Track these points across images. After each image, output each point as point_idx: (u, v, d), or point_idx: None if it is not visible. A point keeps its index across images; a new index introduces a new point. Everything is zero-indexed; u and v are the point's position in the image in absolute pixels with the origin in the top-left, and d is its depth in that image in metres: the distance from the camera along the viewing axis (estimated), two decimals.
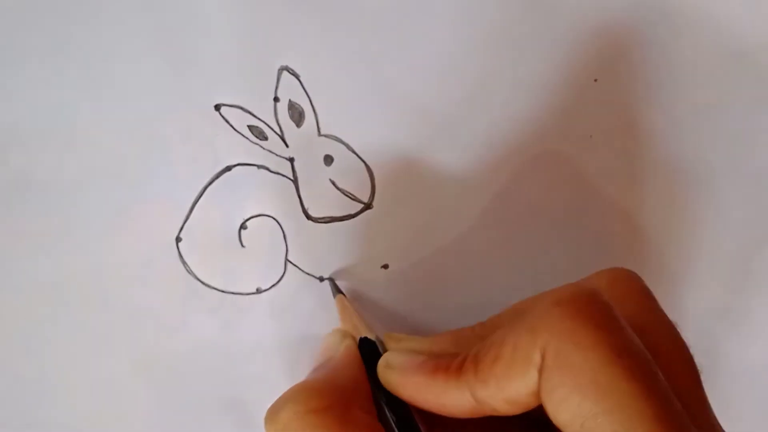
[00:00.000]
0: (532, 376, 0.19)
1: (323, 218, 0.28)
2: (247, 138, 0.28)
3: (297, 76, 0.27)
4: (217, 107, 0.27)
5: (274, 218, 0.28)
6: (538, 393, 0.19)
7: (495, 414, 0.20)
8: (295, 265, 0.28)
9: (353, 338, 0.25)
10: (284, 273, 0.28)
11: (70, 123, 0.27)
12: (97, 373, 0.28)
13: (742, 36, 0.29)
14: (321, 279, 0.29)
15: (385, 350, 0.24)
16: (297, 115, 0.28)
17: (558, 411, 0.18)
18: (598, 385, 0.18)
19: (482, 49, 0.28)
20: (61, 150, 0.27)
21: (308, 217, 0.28)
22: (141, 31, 0.27)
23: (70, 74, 0.26)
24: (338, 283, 0.29)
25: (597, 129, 0.29)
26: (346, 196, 0.28)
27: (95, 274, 0.28)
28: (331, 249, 0.28)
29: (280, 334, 0.29)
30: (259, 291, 0.28)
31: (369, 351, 0.24)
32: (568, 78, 0.29)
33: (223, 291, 0.28)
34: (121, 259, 0.28)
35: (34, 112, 0.26)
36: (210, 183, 0.28)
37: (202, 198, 0.28)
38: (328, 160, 0.28)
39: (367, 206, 0.28)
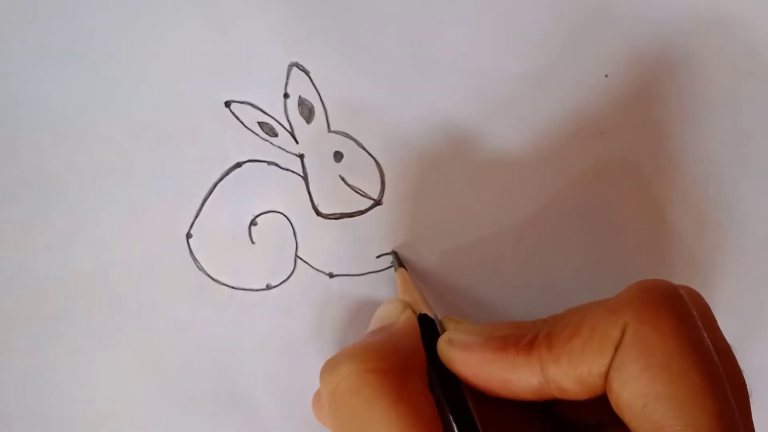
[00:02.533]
0: (608, 353, 0.19)
1: (333, 214, 0.28)
2: (257, 134, 0.28)
3: (307, 73, 0.27)
4: (227, 104, 0.27)
5: (283, 214, 0.28)
6: (607, 374, 0.19)
7: (560, 396, 0.21)
8: (304, 261, 0.28)
9: (413, 310, 0.25)
10: (294, 269, 0.28)
11: (81, 121, 0.27)
12: (107, 369, 0.28)
13: (755, 32, 0.29)
14: (331, 275, 0.29)
15: (443, 330, 0.24)
16: (307, 111, 0.28)
17: (624, 387, 0.19)
18: (670, 371, 0.18)
19: (491, 46, 0.28)
20: (72, 148, 0.27)
21: (318, 213, 0.28)
22: (151, 30, 0.27)
23: (81, 72, 0.27)
24: (348, 278, 0.29)
25: (608, 125, 0.29)
26: (356, 192, 0.28)
27: (106, 270, 0.28)
28: (340, 245, 0.28)
29: (290, 330, 0.29)
30: (268, 287, 0.28)
31: (425, 328, 0.24)
32: (578, 74, 0.28)
33: (232, 287, 0.28)
34: (132, 255, 0.28)
35: (45, 111, 0.27)
36: (220, 180, 0.28)
37: (212, 194, 0.28)
38: (338, 156, 0.28)
39: (377, 203, 0.28)
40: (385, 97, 0.28)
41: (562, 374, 0.20)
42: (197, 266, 0.28)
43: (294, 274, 0.28)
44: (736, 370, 0.22)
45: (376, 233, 0.28)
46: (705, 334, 0.20)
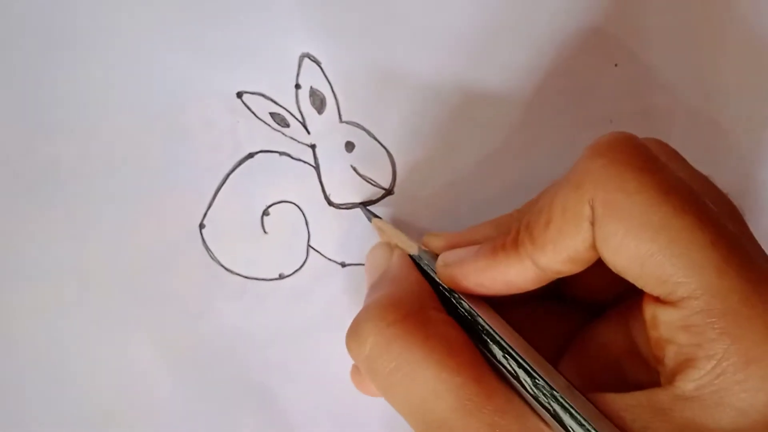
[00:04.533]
0: (585, 230, 0.19)
1: (345, 204, 0.29)
2: (269, 125, 0.28)
3: (318, 63, 0.27)
4: (239, 95, 0.27)
5: (296, 204, 0.28)
6: (594, 246, 0.19)
7: (560, 275, 0.21)
8: (317, 251, 0.29)
9: (399, 247, 0.26)
10: (306, 258, 0.29)
11: (94, 113, 0.27)
12: (120, 359, 0.28)
13: (761, 23, 0.29)
14: (343, 264, 0.29)
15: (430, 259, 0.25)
16: (318, 101, 0.28)
17: (616, 258, 0.19)
18: (651, 225, 0.18)
19: (502, 34, 0.28)
20: (87, 139, 0.27)
21: (330, 203, 0.28)
22: (164, 21, 0.27)
23: (94, 65, 0.27)
24: (360, 267, 0.29)
25: (617, 113, 0.29)
26: (368, 182, 0.28)
27: (120, 261, 0.28)
28: (352, 235, 0.29)
29: (303, 319, 0.29)
30: (281, 276, 0.29)
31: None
32: (588, 62, 0.29)
33: (246, 277, 0.29)
34: (145, 246, 0.28)
35: (60, 102, 0.27)
36: (232, 170, 0.28)
37: (224, 185, 0.28)
38: (350, 146, 0.28)
39: (389, 192, 0.29)
40: (396, 87, 0.28)
41: (552, 260, 0.20)
42: (210, 256, 0.28)
43: (306, 263, 0.29)
44: (719, 194, 0.21)
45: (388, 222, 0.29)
46: (672, 170, 0.19)
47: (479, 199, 0.29)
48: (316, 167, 0.28)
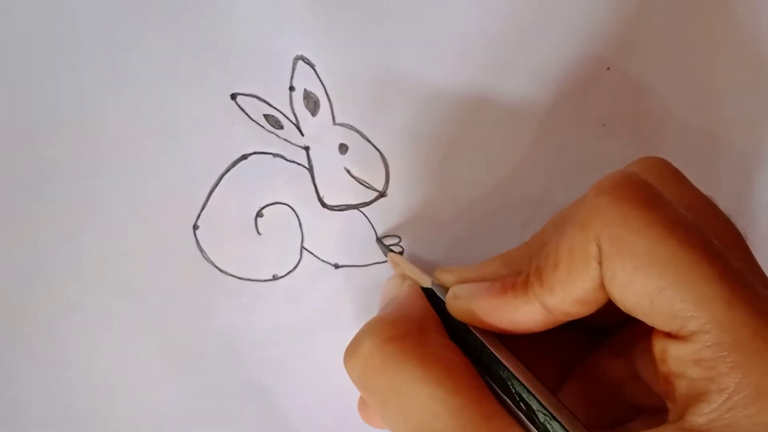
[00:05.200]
0: (593, 270, 0.19)
1: (338, 206, 0.29)
2: (263, 127, 0.28)
3: (312, 66, 0.28)
4: (234, 96, 0.27)
5: (289, 206, 0.28)
6: (603, 286, 0.19)
7: (570, 318, 0.21)
8: (310, 252, 0.29)
9: (412, 279, 0.26)
10: (300, 260, 0.29)
11: (91, 114, 0.27)
12: (120, 358, 0.28)
13: (755, 21, 0.29)
14: (336, 266, 0.29)
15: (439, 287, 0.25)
16: (312, 104, 0.28)
17: (624, 295, 0.19)
18: (658, 261, 0.18)
19: (497, 37, 0.28)
20: (83, 139, 0.27)
21: (323, 204, 0.29)
22: (159, 22, 0.27)
23: (91, 65, 0.27)
24: (353, 269, 0.29)
25: (610, 117, 0.29)
26: (361, 184, 0.29)
27: (113, 261, 0.28)
28: (346, 236, 0.29)
29: (296, 320, 0.29)
30: (275, 278, 0.29)
31: (432, 299, 0.25)
32: (581, 66, 0.29)
33: (239, 278, 0.29)
34: (139, 246, 0.28)
35: (57, 102, 0.27)
36: (226, 171, 0.28)
37: (218, 186, 0.28)
38: (343, 148, 0.28)
39: (382, 194, 0.29)
40: (390, 89, 0.28)
41: (561, 302, 0.20)
42: (204, 257, 0.28)
43: (300, 265, 0.29)
44: (722, 220, 0.22)
45: (381, 225, 0.29)
46: (675, 205, 0.19)
47: (472, 201, 0.29)
48: (310, 169, 0.28)
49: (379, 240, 0.29)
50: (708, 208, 0.22)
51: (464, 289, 0.23)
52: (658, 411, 0.22)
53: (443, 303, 0.24)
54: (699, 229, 0.19)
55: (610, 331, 0.24)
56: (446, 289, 0.25)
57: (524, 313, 0.21)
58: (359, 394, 0.23)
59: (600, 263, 0.19)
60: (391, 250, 0.28)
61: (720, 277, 0.18)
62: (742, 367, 0.17)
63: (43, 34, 0.26)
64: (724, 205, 0.22)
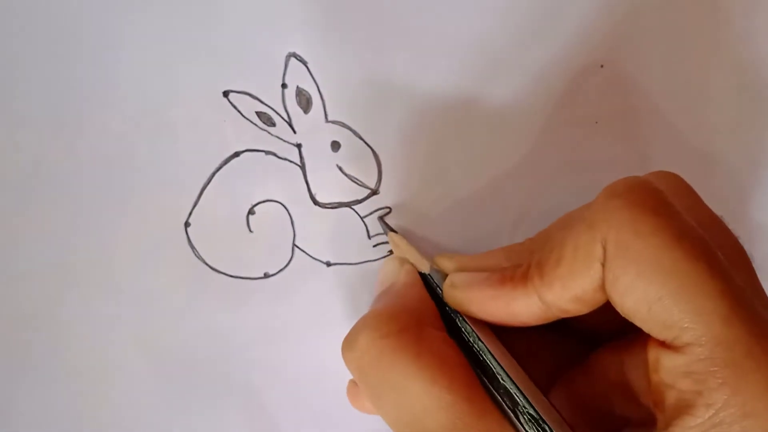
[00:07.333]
0: (596, 271, 0.19)
1: (330, 204, 0.29)
2: (255, 124, 0.28)
3: (304, 63, 0.28)
4: (226, 93, 0.27)
5: (281, 204, 0.28)
6: (603, 288, 0.19)
7: (566, 315, 0.21)
8: (302, 250, 0.29)
9: (411, 263, 0.26)
10: (291, 258, 0.29)
11: (80, 110, 0.27)
12: (104, 357, 0.28)
13: (747, 22, 0.29)
14: (328, 264, 0.29)
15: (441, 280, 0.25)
16: (304, 101, 0.28)
17: (624, 299, 0.19)
18: (662, 269, 0.18)
19: (488, 35, 0.28)
20: (72, 136, 0.27)
21: (315, 202, 0.29)
22: (150, 18, 0.27)
23: (79, 61, 0.27)
24: (345, 267, 0.29)
25: (603, 115, 0.29)
26: (353, 181, 0.28)
27: (104, 259, 0.28)
28: (338, 234, 0.29)
29: (288, 318, 0.29)
30: (266, 275, 0.29)
31: (428, 284, 0.25)
32: (573, 64, 0.29)
33: (231, 275, 0.29)
34: (130, 244, 0.28)
35: (45, 100, 0.27)
36: (218, 169, 0.28)
37: (210, 184, 0.28)
38: (336, 146, 0.28)
39: (374, 192, 0.29)
40: (382, 87, 0.28)
41: (559, 298, 0.20)
42: (196, 255, 0.28)
43: (291, 262, 0.29)
44: (730, 239, 0.22)
45: (373, 222, 0.29)
46: (685, 217, 0.19)
47: (463, 199, 0.29)
48: (302, 166, 0.28)
49: (380, 219, 0.29)
50: (717, 225, 0.22)
51: (462, 277, 0.23)
52: (645, 423, 0.22)
53: (441, 290, 0.24)
54: (706, 242, 0.19)
55: (605, 339, 0.24)
56: (444, 276, 0.24)
57: (521, 305, 0.21)
58: (347, 380, 0.23)
59: (603, 265, 0.19)
60: (393, 230, 0.28)
61: (721, 293, 0.18)
62: (732, 384, 0.17)
63: (32, 31, 0.26)
64: (718, 211, 0.22)
